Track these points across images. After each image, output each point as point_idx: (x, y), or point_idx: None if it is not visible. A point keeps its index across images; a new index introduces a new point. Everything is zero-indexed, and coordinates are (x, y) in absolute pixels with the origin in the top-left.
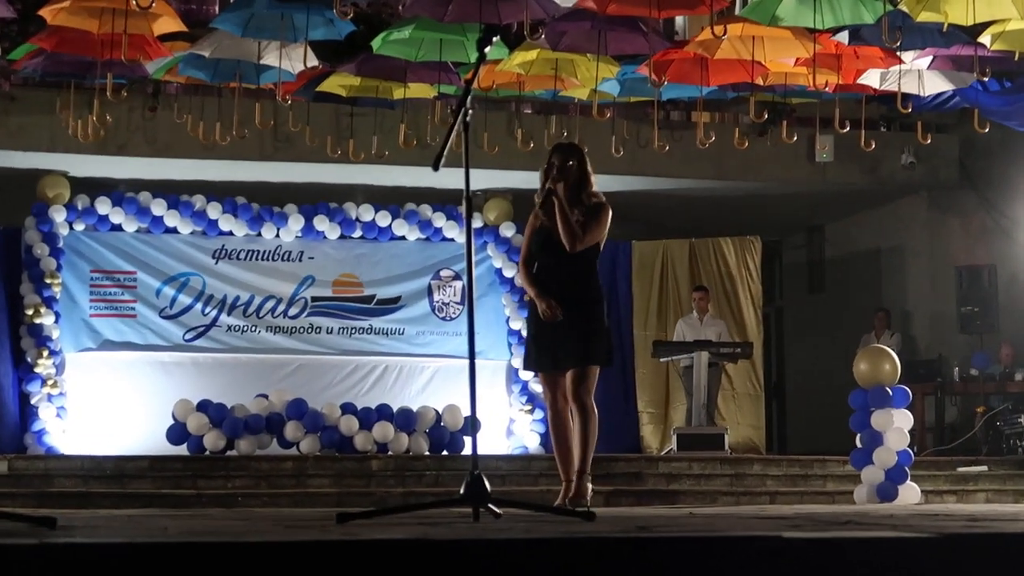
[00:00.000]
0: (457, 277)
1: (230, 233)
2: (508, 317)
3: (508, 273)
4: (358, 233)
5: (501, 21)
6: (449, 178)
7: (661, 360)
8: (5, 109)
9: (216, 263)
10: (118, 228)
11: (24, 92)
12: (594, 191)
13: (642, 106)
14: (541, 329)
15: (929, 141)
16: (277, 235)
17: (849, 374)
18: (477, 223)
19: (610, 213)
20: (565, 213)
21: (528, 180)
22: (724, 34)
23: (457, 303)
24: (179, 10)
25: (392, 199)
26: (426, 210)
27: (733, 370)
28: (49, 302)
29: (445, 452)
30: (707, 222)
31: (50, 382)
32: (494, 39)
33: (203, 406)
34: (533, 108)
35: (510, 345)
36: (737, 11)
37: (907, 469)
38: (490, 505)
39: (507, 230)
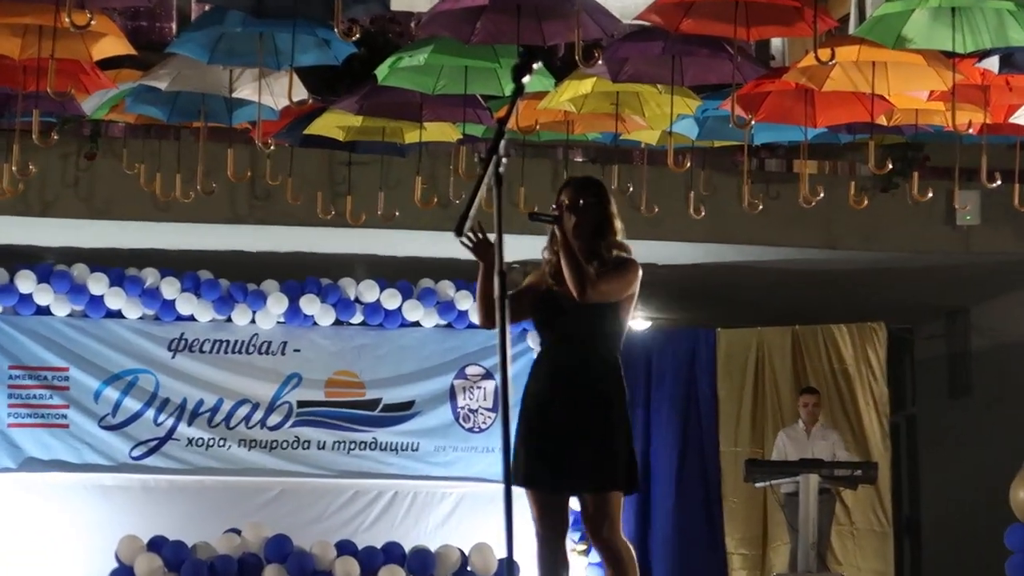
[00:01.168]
0: (488, 376)
1: (191, 318)
2: None
3: None
4: (358, 318)
5: (545, 42)
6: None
7: (756, 485)
8: None
9: (173, 357)
10: (45, 311)
11: None
12: (619, 241)
13: (729, 153)
14: (536, 427)
15: None
16: (253, 320)
17: (1005, 504)
18: None
19: (639, 274)
20: (570, 250)
21: None
22: (833, 59)
23: (488, 410)
24: (125, 28)
25: (402, 273)
26: (447, 288)
27: (852, 498)
28: None
29: None
30: (815, 304)
31: None
32: (535, 66)
33: (156, 544)
34: (586, 156)
35: None
36: (851, 30)
37: None
38: None
39: None
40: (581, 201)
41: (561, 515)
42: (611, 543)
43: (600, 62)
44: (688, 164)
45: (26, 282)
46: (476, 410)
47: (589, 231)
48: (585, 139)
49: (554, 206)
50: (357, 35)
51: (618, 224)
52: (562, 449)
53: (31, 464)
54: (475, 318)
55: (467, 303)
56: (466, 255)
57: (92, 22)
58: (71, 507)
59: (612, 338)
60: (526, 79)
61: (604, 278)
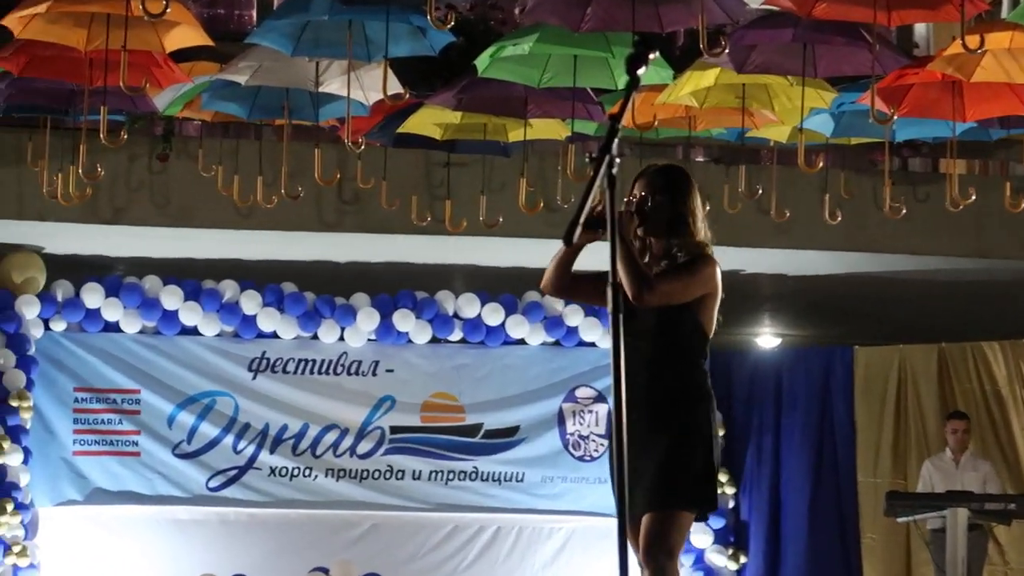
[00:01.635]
0: (600, 398)
1: (274, 335)
2: None
3: None
4: (457, 335)
5: (663, 29)
6: (588, 255)
7: (899, 520)
8: None
9: (254, 378)
10: (114, 328)
11: None
12: (698, 241)
13: (868, 151)
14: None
15: None
16: (341, 338)
17: None
18: None
19: (715, 269)
20: (627, 247)
21: None
22: (983, 47)
23: (600, 436)
24: (201, 17)
25: (506, 286)
26: (554, 302)
27: (1005, 535)
28: (15, 434)
29: None
30: (964, 319)
31: (16, 548)
32: (652, 56)
33: None
34: (709, 155)
35: None
36: (1004, 14)
37: None
38: None
39: None
40: (656, 195)
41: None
42: (662, 566)
43: (725, 51)
44: (822, 164)
45: (93, 296)
46: (587, 436)
47: (660, 230)
48: (708, 136)
49: (626, 199)
50: (452, 22)
51: (699, 222)
52: (636, 464)
53: (99, 496)
54: (543, 284)
55: (577, 318)
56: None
57: (168, 9)
58: (142, 543)
59: (688, 335)
60: (641, 71)
61: (666, 278)
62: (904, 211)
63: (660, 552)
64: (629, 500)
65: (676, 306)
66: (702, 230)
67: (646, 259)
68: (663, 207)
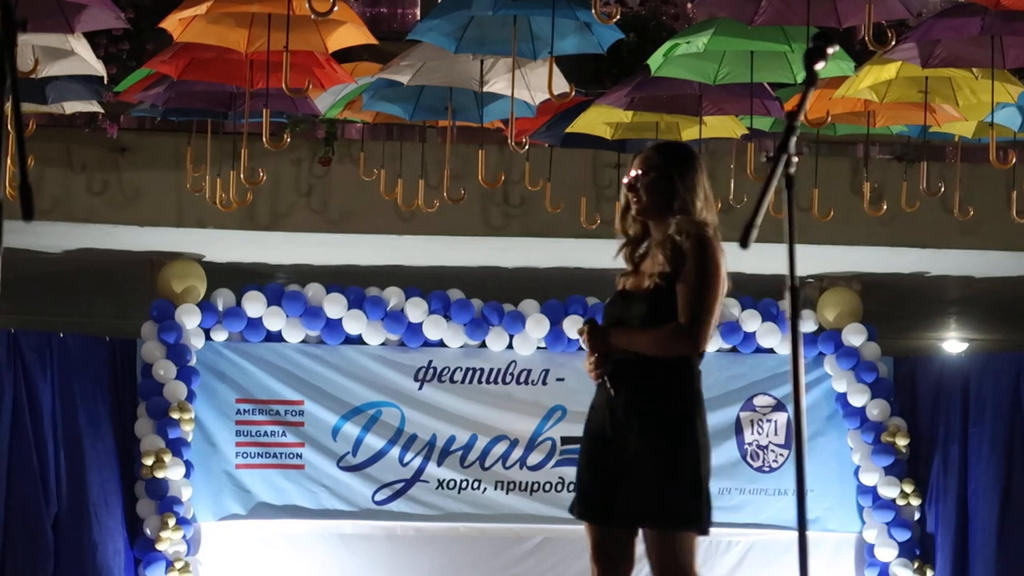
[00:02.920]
0: (779, 407)
1: (440, 343)
2: (858, 467)
3: (857, 400)
4: None
5: (841, 24)
6: (765, 259)
7: None
8: (114, 164)
9: (420, 388)
10: (276, 337)
11: (139, 139)
12: (700, 220)
13: None
14: (591, 448)
15: None
16: (510, 346)
17: None
18: (809, 326)
19: (719, 254)
20: (633, 346)
21: (884, 260)
22: None
23: (780, 446)
24: (363, 15)
25: None
26: (731, 307)
27: None
28: (176, 447)
29: None
30: None
31: (179, 564)
32: (830, 51)
33: None
34: (890, 152)
35: (861, 509)
36: None
37: None
38: None
39: (854, 335)
40: (651, 173)
41: (620, 553)
42: None
43: (903, 44)
44: (1013, 160)
45: (255, 305)
46: (766, 446)
47: (656, 210)
48: (889, 132)
49: (623, 179)
50: (617, 16)
51: (700, 202)
52: (620, 473)
53: (262, 510)
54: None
55: (755, 324)
56: (754, 267)
57: (335, 8)
58: (307, 559)
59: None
60: (819, 66)
61: (689, 315)
62: None
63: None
64: (609, 504)
65: (671, 296)
66: (703, 212)
67: (644, 247)
68: (659, 185)
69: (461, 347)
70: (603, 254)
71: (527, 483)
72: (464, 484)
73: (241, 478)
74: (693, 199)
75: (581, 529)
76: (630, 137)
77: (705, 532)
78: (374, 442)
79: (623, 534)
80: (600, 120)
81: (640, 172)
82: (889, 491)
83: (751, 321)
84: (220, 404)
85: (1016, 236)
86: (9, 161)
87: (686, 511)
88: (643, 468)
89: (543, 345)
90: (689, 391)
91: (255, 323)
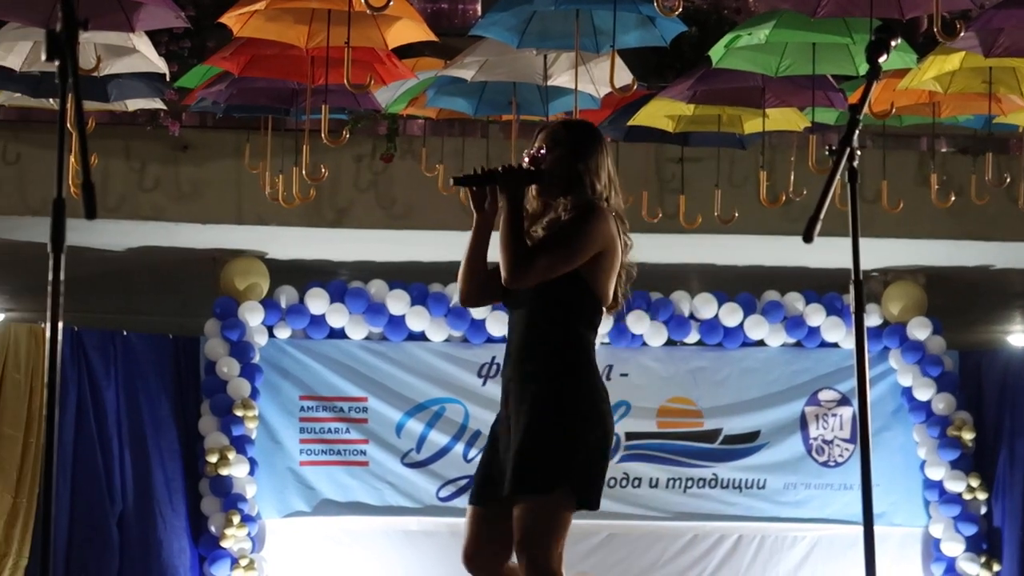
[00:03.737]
0: (844, 401)
1: (503, 339)
2: (924, 461)
3: (923, 394)
4: (693, 337)
5: (904, 15)
6: (829, 252)
7: None
8: (175, 160)
9: (484, 384)
10: (339, 334)
11: (201, 136)
12: (587, 200)
13: None
14: (492, 431)
15: None
16: None
17: None
18: (873, 319)
19: (608, 225)
20: (510, 221)
21: (950, 253)
22: None
23: (845, 440)
24: (424, 12)
25: (743, 285)
26: (795, 301)
27: None
28: (240, 444)
29: None
30: None
31: (244, 561)
32: (894, 44)
33: None
34: (955, 144)
35: (927, 504)
36: None
37: None
38: None
39: (919, 329)
40: (555, 148)
41: (488, 532)
42: (540, 565)
43: (965, 34)
44: None
45: (318, 302)
46: (831, 441)
47: (556, 189)
48: (954, 123)
49: (525, 153)
50: (679, 9)
51: (601, 185)
52: (503, 451)
53: (326, 507)
54: (504, 268)
55: (819, 318)
56: (817, 261)
57: (390, 3)
58: (371, 555)
59: (573, 304)
60: (883, 59)
61: (543, 250)
62: None
63: (538, 548)
64: (494, 484)
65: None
66: (604, 192)
67: (546, 220)
68: (561, 163)
69: None
70: (666, 248)
71: None
72: None
73: (305, 475)
74: (594, 181)
75: (646, 525)
76: (692, 130)
77: (583, 506)
78: (438, 438)
79: (500, 513)
80: (662, 113)
81: (545, 147)
82: (955, 485)
83: (815, 315)
84: (284, 401)
85: None
86: (72, 159)
87: (552, 479)
88: (519, 439)
89: (606, 340)
90: (573, 362)
91: (318, 320)
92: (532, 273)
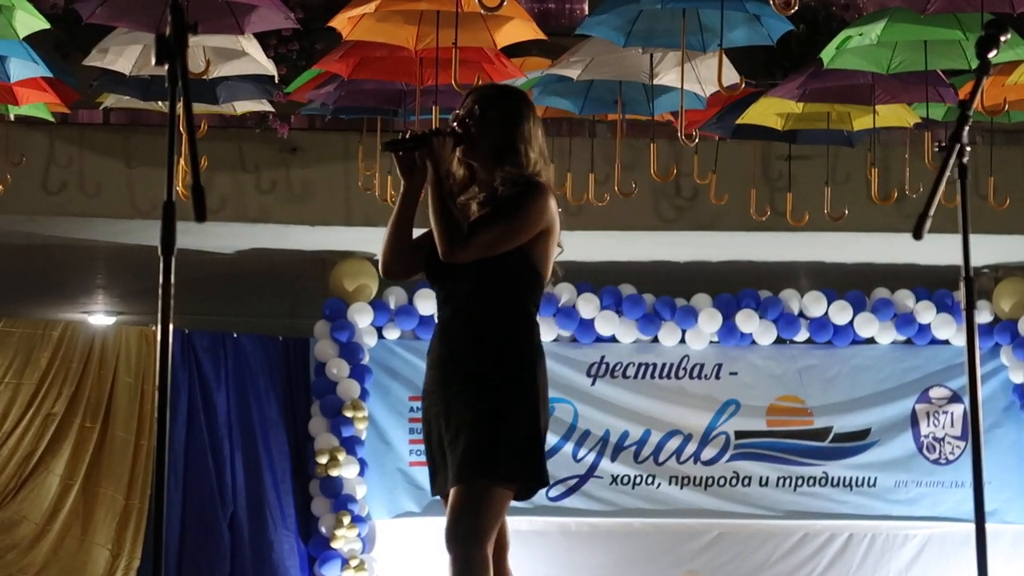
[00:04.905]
0: (955, 399)
1: (612, 339)
2: None
3: None
4: (803, 335)
5: (1015, 10)
6: (939, 249)
7: None
8: (284, 163)
9: (593, 384)
10: None
11: (310, 139)
12: (527, 174)
13: None
14: (425, 417)
15: None
16: (682, 340)
17: None
18: (984, 316)
19: (548, 202)
20: (439, 192)
21: None
22: None
23: (956, 438)
24: (532, 11)
25: (853, 283)
26: (905, 298)
27: None
28: (350, 445)
29: None
30: None
31: (354, 562)
32: (1004, 39)
33: None
34: None
35: None
36: None
37: None
38: None
39: None
40: (485, 111)
41: None
42: (459, 552)
43: None
44: None
45: (427, 302)
46: (942, 439)
47: (485, 155)
48: None
49: (451, 116)
50: (795, 7)
51: (534, 153)
52: (448, 439)
53: (437, 507)
54: (439, 243)
55: (929, 315)
56: (927, 258)
57: (504, 3)
58: None
59: (513, 282)
60: (992, 54)
61: (483, 226)
62: None
63: (463, 534)
64: (440, 475)
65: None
66: (537, 163)
67: (472, 192)
68: (491, 128)
69: (633, 342)
70: (774, 247)
71: (701, 478)
72: (638, 479)
73: (415, 476)
74: (527, 150)
75: (756, 524)
76: (801, 128)
77: (521, 495)
78: (548, 438)
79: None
80: (771, 111)
81: (476, 108)
82: None
83: (926, 313)
84: (393, 402)
85: None
86: (182, 162)
87: (482, 462)
88: (472, 423)
89: (716, 339)
90: (528, 341)
91: (427, 321)
92: (472, 248)
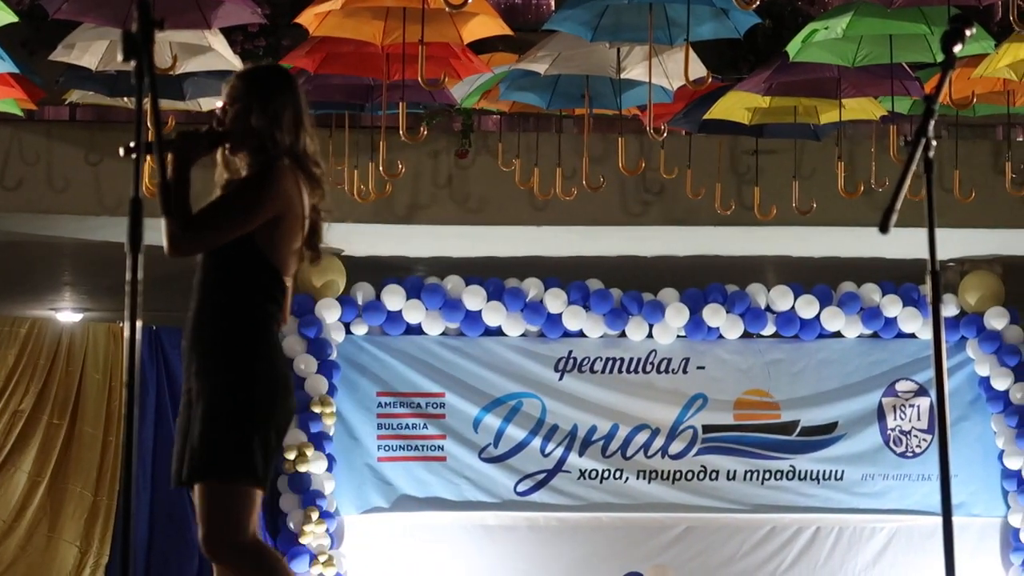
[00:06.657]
0: (922, 392)
1: (580, 334)
2: (1002, 451)
3: (1000, 384)
4: (770, 329)
5: (980, 2)
6: (905, 243)
7: None
8: None
9: (560, 378)
10: (416, 330)
11: None
12: (274, 153)
13: None
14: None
15: None
16: (650, 335)
17: None
18: (950, 310)
19: (280, 186)
20: (163, 188)
21: None
22: None
23: (923, 431)
24: (499, 6)
25: (820, 277)
26: (872, 292)
27: None
28: (318, 441)
29: None
30: None
31: (322, 557)
32: (969, 33)
33: None
34: None
35: (1006, 494)
36: None
37: None
38: None
39: (996, 319)
40: (225, 111)
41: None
42: (218, 552)
43: None
44: None
45: (394, 298)
46: (909, 432)
47: (240, 146)
48: None
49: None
50: (757, 2)
51: (280, 133)
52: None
53: (405, 503)
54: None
55: (896, 309)
56: (894, 252)
57: (468, 0)
58: (449, 551)
59: (241, 272)
60: (958, 48)
61: (203, 216)
62: None
63: (220, 541)
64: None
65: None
66: (286, 140)
67: (225, 180)
68: (238, 119)
69: (601, 337)
70: (742, 241)
71: (669, 472)
72: (606, 474)
73: (383, 471)
74: (274, 132)
75: (724, 517)
76: (768, 122)
77: (255, 485)
78: (515, 433)
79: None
80: (738, 105)
81: (225, 104)
82: None
83: (892, 306)
84: (361, 397)
85: None
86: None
87: (228, 464)
88: (197, 424)
89: (683, 334)
90: (253, 330)
91: (395, 316)
92: (191, 244)
